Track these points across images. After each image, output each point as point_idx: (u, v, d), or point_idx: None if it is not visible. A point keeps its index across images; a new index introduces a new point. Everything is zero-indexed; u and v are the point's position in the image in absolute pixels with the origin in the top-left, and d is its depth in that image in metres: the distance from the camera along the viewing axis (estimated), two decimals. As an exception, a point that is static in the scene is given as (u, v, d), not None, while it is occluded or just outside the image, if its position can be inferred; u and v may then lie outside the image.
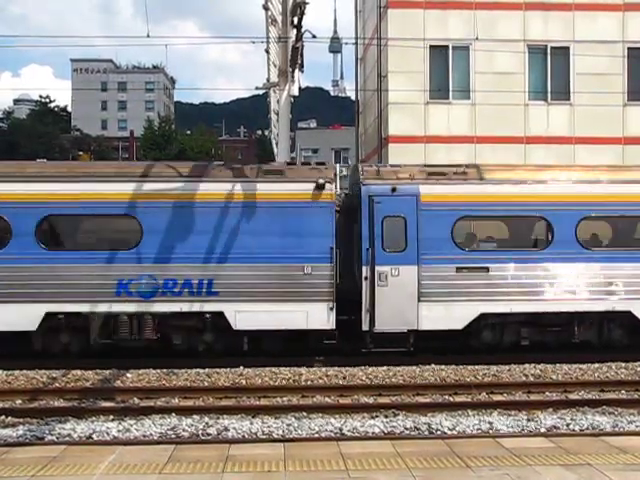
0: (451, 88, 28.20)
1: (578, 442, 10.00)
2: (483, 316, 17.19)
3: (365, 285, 17.05)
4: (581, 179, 17.99)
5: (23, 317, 16.42)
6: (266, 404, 13.49)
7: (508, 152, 26.22)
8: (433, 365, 16.32)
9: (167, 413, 12.50)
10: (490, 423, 11.72)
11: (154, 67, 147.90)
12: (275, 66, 23.86)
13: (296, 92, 22.51)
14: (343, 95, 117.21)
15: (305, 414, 12.44)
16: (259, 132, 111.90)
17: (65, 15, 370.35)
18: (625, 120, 28.19)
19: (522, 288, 17.20)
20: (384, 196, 17.25)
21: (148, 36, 21.20)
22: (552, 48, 28.22)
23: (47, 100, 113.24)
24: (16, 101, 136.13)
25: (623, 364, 16.51)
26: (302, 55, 20.87)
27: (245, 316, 16.78)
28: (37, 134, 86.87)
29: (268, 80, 25.53)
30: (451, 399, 13.97)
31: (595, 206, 17.53)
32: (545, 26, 28.18)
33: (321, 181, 17.02)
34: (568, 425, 11.71)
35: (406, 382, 15.17)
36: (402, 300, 16.97)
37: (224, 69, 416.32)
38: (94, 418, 12.33)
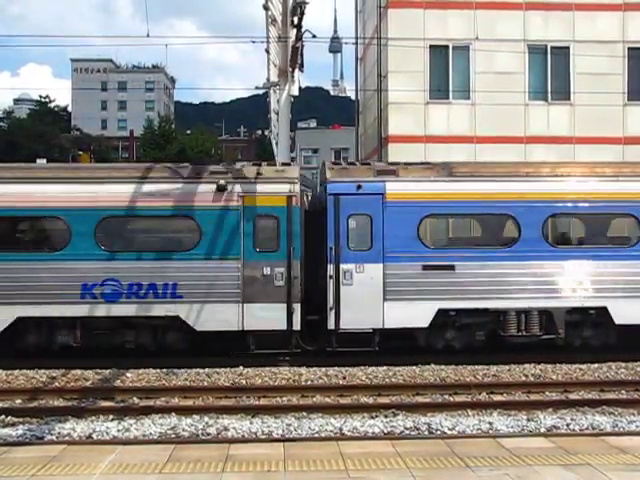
0: (451, 88, 28.18)
1: (578, 442, 10.01)
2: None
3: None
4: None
5: None
6: (266, 404, 13.50)
7: (508, 152, 26.21)
8: (433, 365, 16.32)
9: (167, 413, 12.51)
10: (490, 423, 11.72)
11: (154, 67, 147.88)
12: (275, 66, 23.84)
13: (296, 92, 22.51)
14: (343, 95, 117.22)
15: (305, 414, 12.45)
16: (259, 132, 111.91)
17: (64, 15, 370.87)
18: (625, 120, 28.18)
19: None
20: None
21: (148, 36, 21.20)
22: (552, 48, 28.20)
23: (47, 100, 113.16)
24: (16, 101, 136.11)
25: (623, 364, 16.51)
26: (302, 55, 20.90)
27: None
28: (37, 134, 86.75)
29: (268, 80, 25.51)
30: (451, 399, 13.98)
31: None
32: (545, 26, 28.17)
33: None
34: (568, 425, 11.71)
35: (406, 382, 15.16)
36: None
37: (223, 69, 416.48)
38: (94, 418, 12.34)
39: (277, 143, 25.54)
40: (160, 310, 16.77)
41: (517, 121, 27.83)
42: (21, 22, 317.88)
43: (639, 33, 28.13)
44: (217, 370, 15.90)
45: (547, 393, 14.43)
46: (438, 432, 11.31)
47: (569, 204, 17.60)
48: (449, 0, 27.86)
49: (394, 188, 17.22)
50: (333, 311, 16.94)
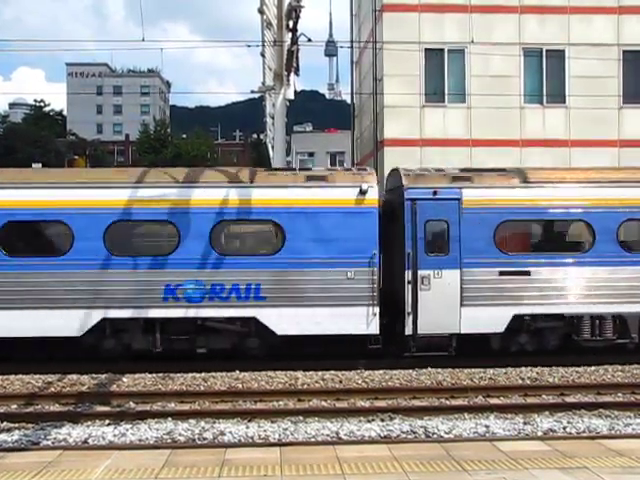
0: (447, 91, 28.21)
1: (575, 445, 10.01)
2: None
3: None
4: None
5: None
6: (262, 408, 13.46)
7: (504, 155, 26.23)
8: (429, 368, 16.32)
9: (163, 417, 12.48)
10: (487, 426, 11.72)
11: (149, 71, 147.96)
12: (270, 70, 23.82)
13: (292, 95, 22.50)
14: (339, 98, 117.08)
15: (301, 418, 12.42)
16: (255, 136, 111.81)
17: (57, 18, 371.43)
18: (620, 123, 28.23)
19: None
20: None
21: (143, 40, 21.13)
22: (547, 51, 28.24)
23: (42, 104, 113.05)
24: (11, 105, 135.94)
25: (620, 367, 16.52)
26: (297, 58, 20.84)
27: None
28: (32, 138, 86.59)
29: (264, 84, 25.49)
30: (448, 402, 13.95)
31: None
32: (540, 29, 28.21)
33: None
34: (565, 428, 11.73)
35: (402, 385, 15.16)
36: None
37: (215, 72, 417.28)
38: (90, 423, 12.30)
39: (273, 147, 25.51)
40: None
41: (513, 124, 27.85)
42: (15, 25, 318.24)
43: (634, 36, 28.19)
44: (213, 374, 15.89)
45: (544, 396, 14.43)
46: (435, 436, 11.30)
47: None
48: (444, 3, 27.88)
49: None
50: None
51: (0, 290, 16.64)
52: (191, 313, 16.89)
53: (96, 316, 16.65)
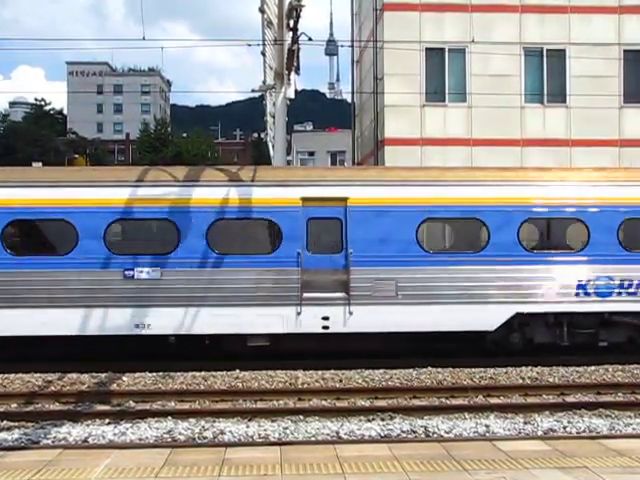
0: (447, 91, 28.20)
1: (575, 445, 9.98)
2: None
3: None
4: None
5: None
6: (262, 407, 13.46)
7: (504, 155, 26.21)
8: (430, 368, 16.31)
9: (163, 416, 12.47)
10: (487, 426, 11.71)
11: (150, 70, 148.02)
12: (271, 69, 23.86)
13: (292, 95, 22.54)
14: (339, 98, 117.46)
15: (302, 417, 12.42)
16: (255, 135, 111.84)
17: (55, 19, 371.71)
18: (621, 122, 28.22)
19: None
20: None
21: (144, 39, 21.12)
22: (548, 50, 28.23)
23: (43, 103, 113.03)
24: (11, 104, 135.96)
25: (620, 367, 16.52)
26: (298, 58, 20.86)
27: None
28: (33, 137, 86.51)
29: (264, 83, 25.54)
30: (448, 402, 13.95)
31: None
32: (541, 28, 28.20)
33: None
34: (565, 428, 11.72)
35: (403, 385, 15.16)
36: None
37: (215, 71, 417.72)
38: (90, 422, 12.29)
39: (274, 146, 25.55)
40: None
41: (513, 124, 27.84)
42: (13, 26, 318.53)
43: (635, 35, 28.18)
44: (213, 373, 15.88)
45: (544, 396, 14.42)
46: (435, 435, 11.29)
47: None
48: (445, 3, 27.87)
49: None
50: None
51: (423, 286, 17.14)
52: (600, 307, 17.45)
53: (509, 311, 17.21)
